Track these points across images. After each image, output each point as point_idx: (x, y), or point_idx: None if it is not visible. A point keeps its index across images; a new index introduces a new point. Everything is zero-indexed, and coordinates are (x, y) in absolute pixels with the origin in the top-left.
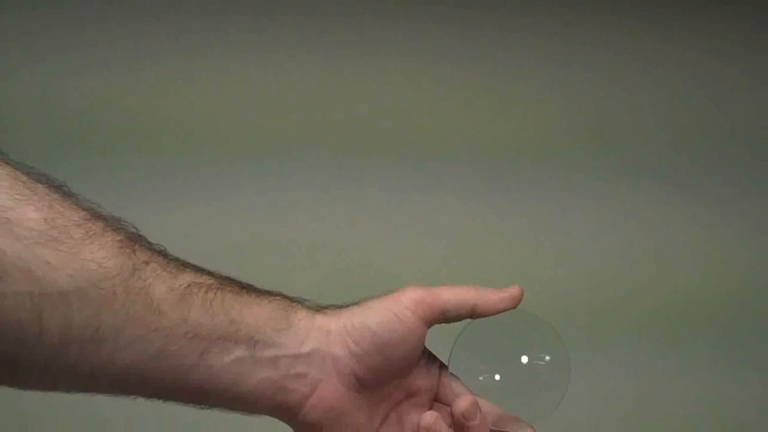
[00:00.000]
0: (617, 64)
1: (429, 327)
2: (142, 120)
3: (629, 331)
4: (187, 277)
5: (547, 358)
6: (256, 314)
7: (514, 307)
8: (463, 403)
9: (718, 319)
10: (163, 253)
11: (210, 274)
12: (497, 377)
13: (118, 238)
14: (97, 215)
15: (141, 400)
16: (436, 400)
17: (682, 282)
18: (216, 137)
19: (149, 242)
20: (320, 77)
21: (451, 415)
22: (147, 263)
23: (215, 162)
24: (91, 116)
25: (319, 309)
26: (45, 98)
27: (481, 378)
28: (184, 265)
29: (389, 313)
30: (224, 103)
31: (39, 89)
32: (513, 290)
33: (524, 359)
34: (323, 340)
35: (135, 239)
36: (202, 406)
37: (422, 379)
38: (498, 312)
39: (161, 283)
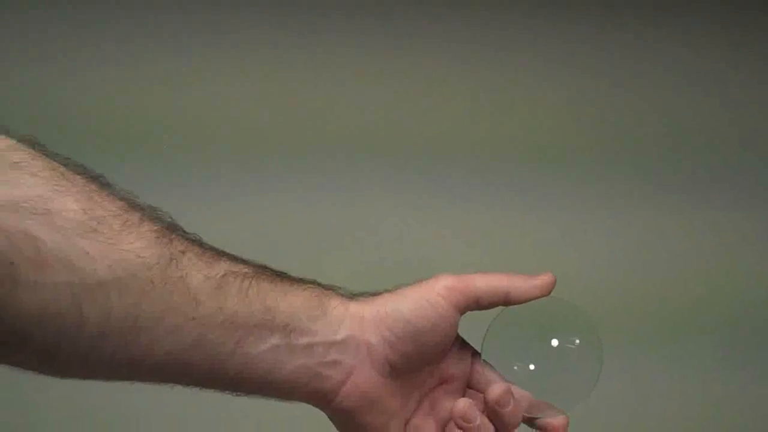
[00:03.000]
0: (636, 67)
1: (462, 314)
2: (150, 120)
3: (630, 333)
4: (223, 266)
5: (580, 345)
6: (290, 302)
7: (548, 294)
8: (496, 389)
9: (718, 321)
10: (199, 242)
11: (245, 262)
12: (530, 364)
13: (155, 227)
14: (134, 205)
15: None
16: (469, 387)
17: (682, 284)
18: (231, 137)
19: (185, 231)
20: (342, 77)
21: (485, 401)
22: (184, 252)
23: (230, 162)
24: (100, 117)
25: (353, 296)
26: (45, 98)
27: (513, 365)
28: (220, 254)
29: (422, 300)
30: (237, 103)
31: (39, 89)
32: (546, 277)
33: (557, 346)
34: (357, 327)
35: (172, 229)
36: (239, 393)
37: (455, 366)
38: (531, 299)
39: (198, 273)
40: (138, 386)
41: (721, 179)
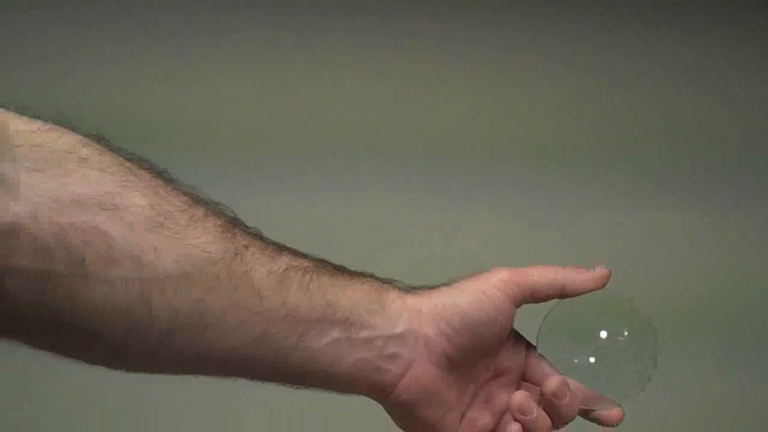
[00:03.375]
0: (636, 66)
1: (518, 307)
2: (151, 120)
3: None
4: (285, 260)
5: (636, 337)
6: (350, 296)
7: (603, 287)
8: (553, 382)
9: (718, 321)
10: (260, 237)
11: (305, 256)
12: (585, 357)
13: (219, 222)
14: (198, 200)
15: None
16: (524, 380)
17: (682, 284)
18: (231, 137)
19: (246, 226)
20: (342, 75)
21: (541, 394)
22: (247, 247)
23: (231, 162)
24: (100, 117)
25: (410, 290)
26: (45, 98)
27: (569, 357)
28: (281, 249)
29: (479, 293)
30: (237, 103)
31: (39, 89)
32: (601, 270)
33: (612, 339)
34: (415, 320)
35: (234, 223)
36: (300, 386)
37: (510, 359)
38: (587, 292)
39: (261, 267)
40: (147, 379)
41: (721, 179)
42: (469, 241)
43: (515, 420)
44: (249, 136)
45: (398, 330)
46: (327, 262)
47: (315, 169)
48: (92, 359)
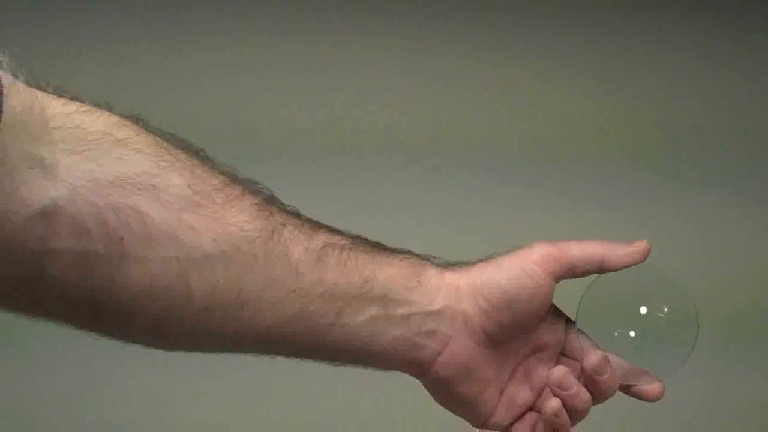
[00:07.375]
0: (640, 62)
1: (557, 282)
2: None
3: None
4: (322, 238)
5: (675, 313)
6: (388, 273)
7: (643, 262)
8: (593, 358)
9: (718, 321)
10: (296, 215)
11: (342, 234)
12: (625, 332)
13: (256, 201)
14: (234, 179)
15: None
16: (563, 355)
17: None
18: (233, 137)
19: (283, 204)
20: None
21: (581, 369)
22: (284, 225)
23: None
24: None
25: (448, 266)
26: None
27: (609, 332)
28: (318, 226)
29: (518, 269)
30: (241, 104)
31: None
32: (641, 244)
33: (652, 314)
34: (453, 297)
35: (271, 201)
36: (337, 363)
37: (549, 334)
38: (626, 266)
39: (298, 245)
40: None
41: (722, 178)
42: (481, 240)
43: (555, 395)
44: (254, 136)
45: (436, 306)
46: (364, 239)
47: (319, 168)
48: (131, 338)
